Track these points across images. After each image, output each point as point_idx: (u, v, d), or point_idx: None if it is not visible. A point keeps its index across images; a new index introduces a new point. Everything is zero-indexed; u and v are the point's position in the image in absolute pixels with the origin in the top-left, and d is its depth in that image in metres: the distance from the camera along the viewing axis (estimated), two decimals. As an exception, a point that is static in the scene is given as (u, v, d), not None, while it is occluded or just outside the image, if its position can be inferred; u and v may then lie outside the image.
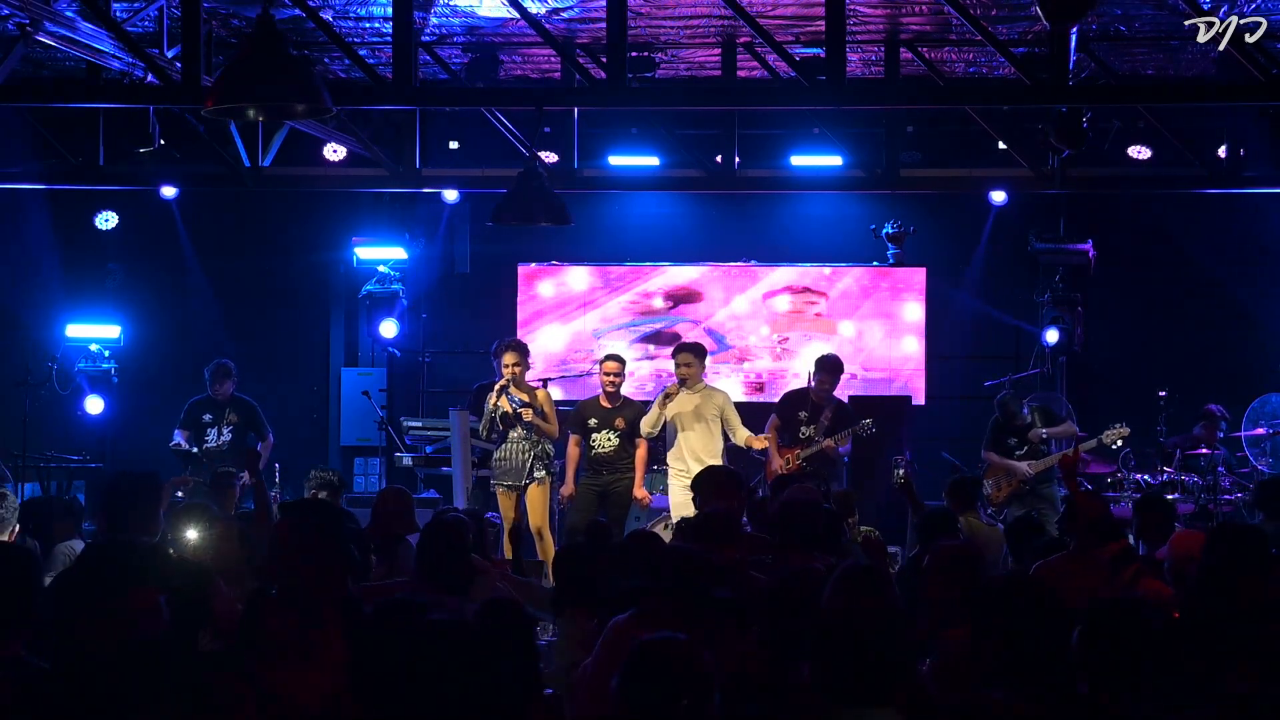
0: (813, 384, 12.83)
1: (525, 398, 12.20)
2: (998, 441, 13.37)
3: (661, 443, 13.11)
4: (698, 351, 12.59)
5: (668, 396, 12.32)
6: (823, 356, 13.14)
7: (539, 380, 13.82)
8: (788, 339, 15.68)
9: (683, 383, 12.31)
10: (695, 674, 3.85)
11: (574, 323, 16.01)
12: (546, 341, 15.70)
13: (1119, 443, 13.12)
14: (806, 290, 15.95)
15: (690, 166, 14.97)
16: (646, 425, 12.34)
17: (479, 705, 3.82)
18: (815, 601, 5.15)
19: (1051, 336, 15.00)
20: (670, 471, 12.39)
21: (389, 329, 15.73)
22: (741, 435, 12.29)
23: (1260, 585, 5.61)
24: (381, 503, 9.10)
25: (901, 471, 9.95)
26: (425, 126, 14.61)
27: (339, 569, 5.09)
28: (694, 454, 12.11)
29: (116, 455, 15.58)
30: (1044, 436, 13.30)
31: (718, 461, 11.96)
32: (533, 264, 16.03)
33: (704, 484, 8.36)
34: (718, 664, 4.36)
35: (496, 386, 12.29)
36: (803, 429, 12.59)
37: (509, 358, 12.33)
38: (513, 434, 12.23)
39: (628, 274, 16.11)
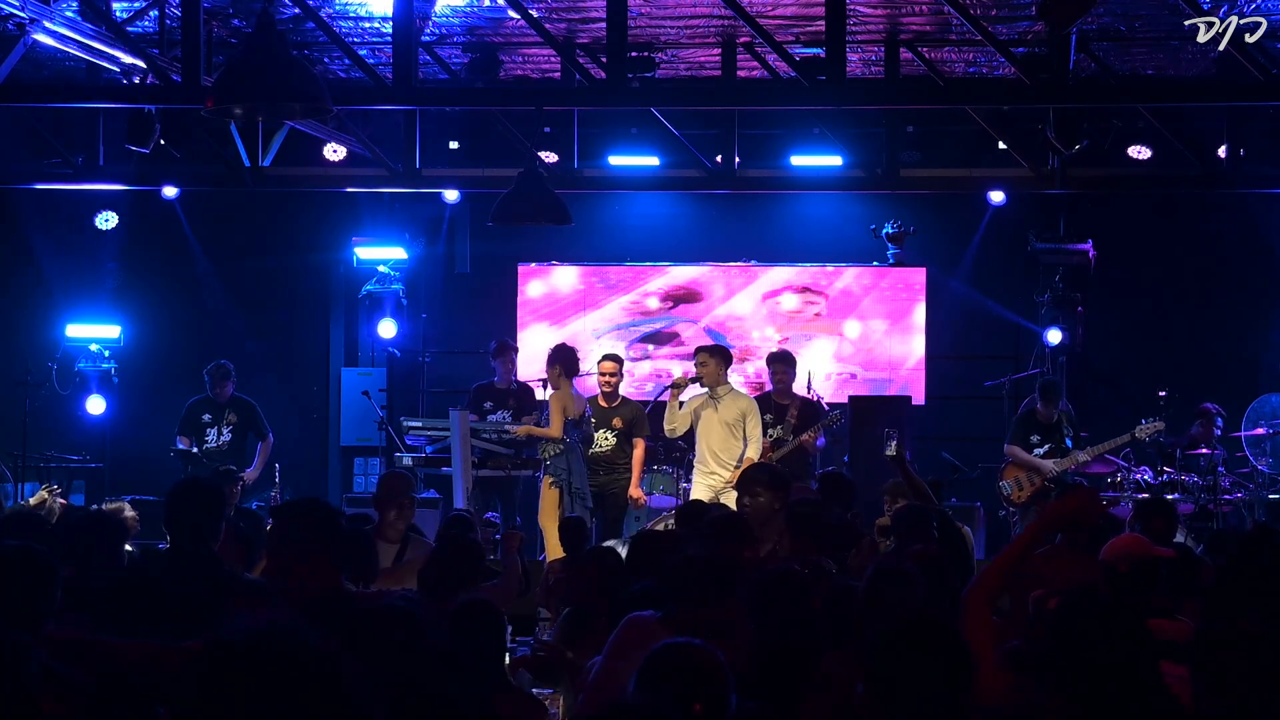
0: (770, 384, 12.91)
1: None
2: (1022, 436, 13.29)
3: (660, 444, 13.18)
4: (715, 353, 12.52)
5: (676, 386, 12.34)
6: (772, 352, 13.25)
7: (539, 380, 13.84)
8: (788, 339, 15.67)
9: (697, 381, 12.30)
10: (711, 679, 3.83)
11: (573, 323, 16.01)
12: (546, 342, 15.67)
13: (1152, 436, 13.08)
14: (806, 290, 15.96)
15: (690, 166, 14.96)
16: (668, 424, 12.37)
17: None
18: (801, 602, 5.17)
19: (1054, 337, 14.98)
20: (694, 472, 12.42)
21: (389, 329, 15.73)
22: (751, 448, 12.26)
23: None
24: (387, 491, 8.91)
25: (894, 444, 9.82)
26: (425, 126, 14.61)
27: (331, 568, 5.11)
28: (715, 456, 12.17)
29: (116, 455, 15.58)
30: (1082, 460, 13.17)
31: (737, 465, 12.08)
32: (533, 264, 16.03)
33: (751, 481, 8.05)
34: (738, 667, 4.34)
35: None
36: (770, 431, 12.58)
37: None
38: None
39: (627, 274, 16.12)
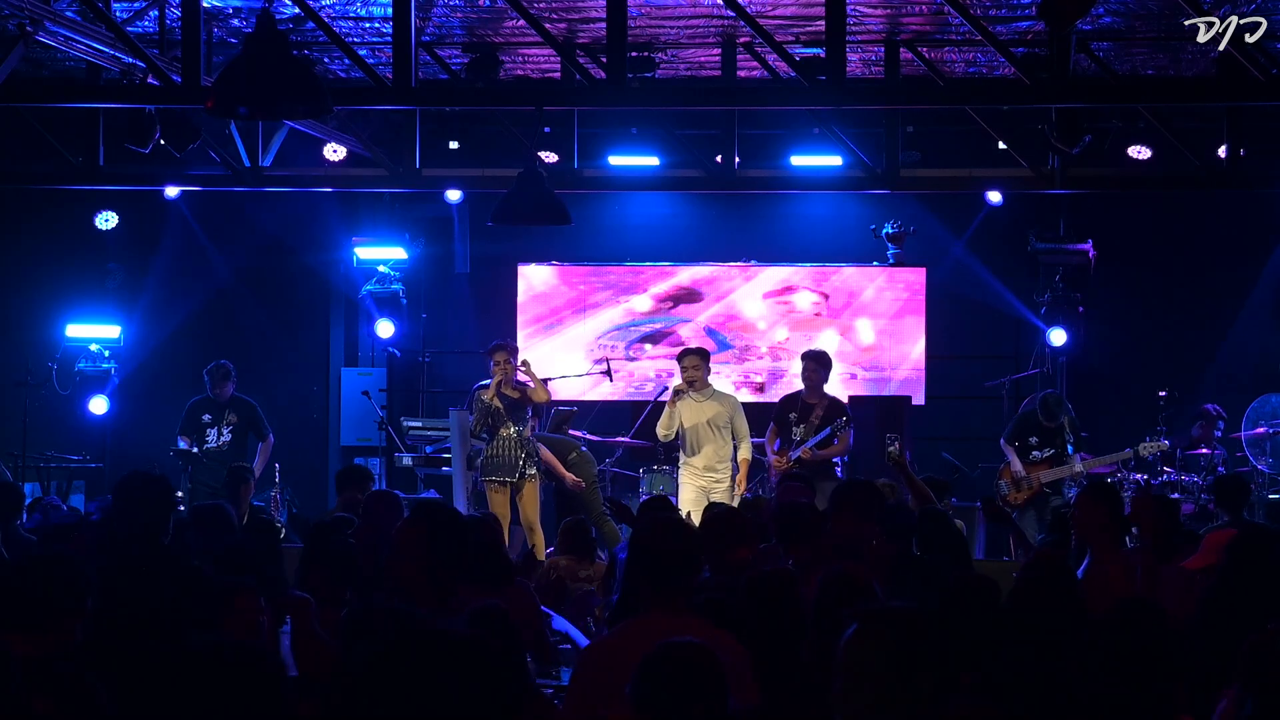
0: (801, 380, 12.94)
1: (514, 394, 12.24)
2: (1020, 435, 13.23)
3: (660, 444, 13.19)
4: (703, 355, 12.65)
5: (677, 394, 12.36)
6: (808, 350, 13.23)
7: (542, 380, 13.83)
8: (788, 339, 15.68)
9: (690, 384, 12.34)
10: (710, 679, 3.83)
11: (573, 323, 16.01)
12: (545, 341, 15.70)
13: (1154, 455, 13.05)
14: (806, 290, 15.95)
15: (690, 166, 14.97)
16: (662, 428, 12.43)
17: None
18: (789, 601, 5.17)
19: (1058, 338, 14.96)
20: (681, 473, 12.44)
21: (388, 329, 15.74)
22: (743, 449, 12.30)
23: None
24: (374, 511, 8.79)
25: (895, 448, 9.76)
26: (425, 126, 14.60)
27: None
28: (704, 459, 12.26)
29: (116, 455, 15.58)
30: (1080, 471, 13.11)
31: (727, 466, 12.20)
32: (532, 264, 16.03)
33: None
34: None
35: (492, 384, 12.31)
36: (794, 430, 12.61)
37: (499, 356, 12.32)
38: (503, 431, 12.21)
39: (627, 274, 16.11)
